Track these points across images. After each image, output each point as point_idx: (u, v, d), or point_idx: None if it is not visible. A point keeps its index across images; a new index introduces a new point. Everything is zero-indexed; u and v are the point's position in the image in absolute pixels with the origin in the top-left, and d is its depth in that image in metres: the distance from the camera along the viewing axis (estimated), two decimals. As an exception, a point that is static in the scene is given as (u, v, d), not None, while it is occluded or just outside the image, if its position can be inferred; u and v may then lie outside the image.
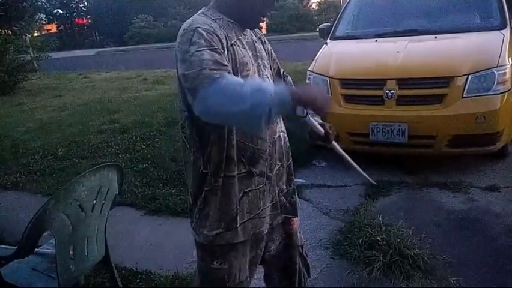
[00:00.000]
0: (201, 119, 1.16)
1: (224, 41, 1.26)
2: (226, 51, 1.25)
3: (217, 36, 1.24)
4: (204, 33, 1.21)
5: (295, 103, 1.08)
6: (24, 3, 12.37)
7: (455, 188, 3.39)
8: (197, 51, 1.17)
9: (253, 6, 1.34)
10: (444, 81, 3.50)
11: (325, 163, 4.15)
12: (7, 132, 6.58)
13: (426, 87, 3.55)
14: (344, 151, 1.52)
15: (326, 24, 5.30)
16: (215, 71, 1.13)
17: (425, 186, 3.47)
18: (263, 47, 1.49)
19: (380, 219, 2.81)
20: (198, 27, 1.23)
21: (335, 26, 4.91)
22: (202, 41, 1.19)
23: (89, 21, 44.91)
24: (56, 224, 1.67)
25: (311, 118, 1.43)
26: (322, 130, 1.45)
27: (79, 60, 21.52)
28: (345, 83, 3.86)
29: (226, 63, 1.19)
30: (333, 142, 1.48)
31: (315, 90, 1.16)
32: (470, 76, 3.44)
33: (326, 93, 1.21)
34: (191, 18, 1.30)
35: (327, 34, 4.89)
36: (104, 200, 1.90)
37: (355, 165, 1.58)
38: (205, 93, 1.11)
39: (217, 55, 1.18)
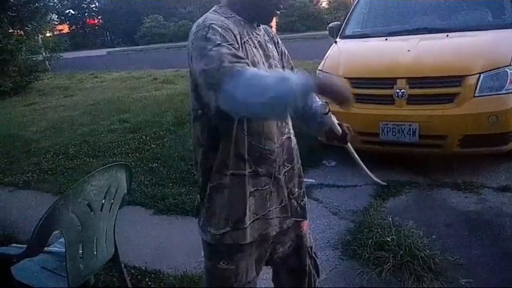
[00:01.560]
0: (230, 113, 1.15)
1: (238, 38, 1.25)
2: (240, 48, 1.24)
3: (232, 32, 1.23)
4: (219, 29, 1.20)
5: (319, 91, 1.10)
6: (36, 4, 12.48)
7: (467, 188, 3.34)
8: (215, 46, 1.15)
9: None
10: (456, 80, 3.45)
11: (335, 163, 4.12)
12: (19, 131, 6.66)
13: (438, 86, 3.51)
14: (354, 151, 1.51)
15: (335, 22, 5.24)
16: (236, 64, 1.12)
17: (436, 187, 3.43)
18: (275, 47, 1.47)
19: (390, 219, 2.79)
20: (212, 23, 1.22)
21: (345, 25, 4.88)
22: (218, 37, 1.18)
23: (101, 21, 45.40)
24: (66, 223, 1.68)
25: (332, 117, 1.42)
26: (340, 130, 1.44)
27: (90, 60, 21.74)
28: (355, 82, 3.82)
29: (244, 56, 1.19)
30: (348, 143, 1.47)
31: (338, 82, 1.16)
32: (482, 75, 3.39)
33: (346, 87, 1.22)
34: (203, 16, 1.29)
35: (336, 33, 4.86)
36: (113, 199, 1.91)
37: (365, 167, 1.57)
38: (230, 86, 1.09)
39: (234, 49, 1.17)
